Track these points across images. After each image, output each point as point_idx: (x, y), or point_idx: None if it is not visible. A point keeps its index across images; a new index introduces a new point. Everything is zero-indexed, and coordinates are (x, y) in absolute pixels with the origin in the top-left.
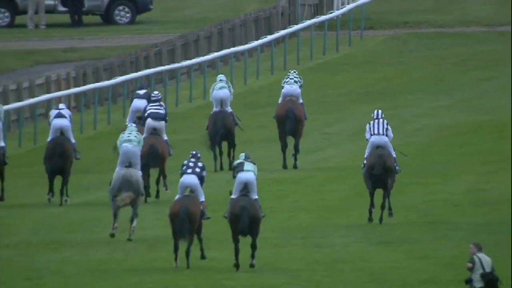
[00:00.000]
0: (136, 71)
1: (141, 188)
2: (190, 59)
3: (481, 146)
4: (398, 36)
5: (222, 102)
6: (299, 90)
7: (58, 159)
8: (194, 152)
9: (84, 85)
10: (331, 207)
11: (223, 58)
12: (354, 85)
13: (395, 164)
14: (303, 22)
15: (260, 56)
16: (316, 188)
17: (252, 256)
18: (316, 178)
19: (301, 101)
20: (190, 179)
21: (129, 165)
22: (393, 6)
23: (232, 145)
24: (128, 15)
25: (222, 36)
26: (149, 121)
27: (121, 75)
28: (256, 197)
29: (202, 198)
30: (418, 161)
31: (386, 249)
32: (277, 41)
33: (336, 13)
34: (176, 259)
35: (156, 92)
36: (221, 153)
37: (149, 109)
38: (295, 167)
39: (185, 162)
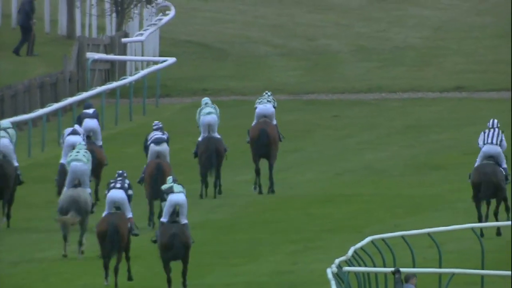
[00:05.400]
0: None
1: (89, 207)
2: None
3: (288, 224)
4: (196, 104)
5: (209, 127)
6: (272, 110)
7: None
8: (120, 172)
9: None
10: None
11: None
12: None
13: (505, 173)
14: (93, 89)
15: (46, 126)
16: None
17: (184, 285)
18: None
19: (275, 122)
20: (118, 194)
21: (78, 184)
22: (190, 72)
23: (219, 173)
24: None
25: (3, 103)
26: (152, 146)
27: None
28: (186, 221)
29: (130, 215)
30: (220, 239)
31: None
32: (64, 109)
33: (129, 79)
34: (106, 277)
35: (156, 122)
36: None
37: (151, 136)
38: (272, 191)
39: (112, 180)
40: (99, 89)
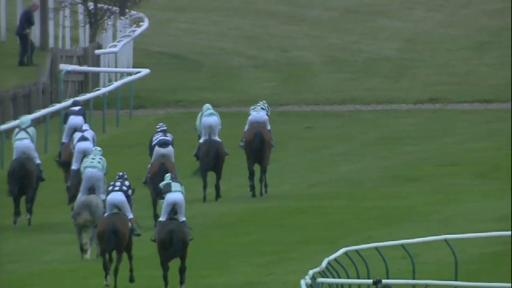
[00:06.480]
0: None
1: (101, 212)
2: None
3: (261, 235)
4: (170, 115)
5: (211, 129)
6: (266, 117)
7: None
8: (121, 174)
9: None
10: None
11: None
12: (123, 170)
13: None
14: (67, 100)
15: None
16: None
17: (181, 282)
18: (79, 271)
19: (268, 127)
20: (117, 196)
21: (92, 191)
22: (164, 84)
23: (220, 175)
24: None
25: None
26: (157, 148)
27: None
28: (184, 219)
29: (131, 215)
30: (191, 251)
31: None
32: (37, 121)
33: (102, 90)
34: (106, 276)
35: (161, 124)
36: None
37: (156, 137)
38: (265, 191)
39: (112, 182)
40: (72, 100)
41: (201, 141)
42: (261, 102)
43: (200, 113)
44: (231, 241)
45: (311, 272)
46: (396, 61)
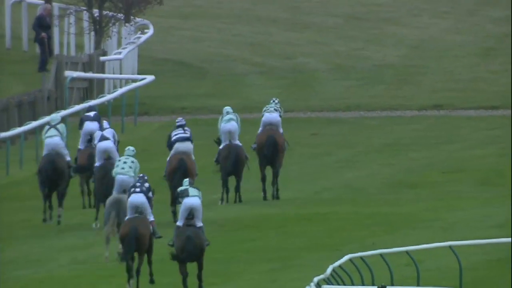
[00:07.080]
0: None
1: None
2: None
3: (265, 242)
4: (174, 122)
5: (230, 134)
6: (279, 118)
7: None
8: (141, 175)
9: None
10: None
11: None
12: None
13: None
14: (72, 107)
15: (24, 144)
16: None
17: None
18: (85, 278)
19: (281, 130)
20: (138, 197)
21: (124, 192)
22: (169, 91)
23: (240, 178)
24: None
25: None
26: (176, 145)
27: None
28: (201, 224)
29: (151, 218)
30: None
31: None
32: (42, 127)
33: (107, 97)
34: (129, 280)
35: (180, 118)
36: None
37: (174, 134)
38: (277, 197)
39: (132, 184)
40: (77, 107)
41: (221, 147)
42: (273, 101)
43: (221, 117)
44: (236, 248)
45: (315, 279)
46: (401, 68)
